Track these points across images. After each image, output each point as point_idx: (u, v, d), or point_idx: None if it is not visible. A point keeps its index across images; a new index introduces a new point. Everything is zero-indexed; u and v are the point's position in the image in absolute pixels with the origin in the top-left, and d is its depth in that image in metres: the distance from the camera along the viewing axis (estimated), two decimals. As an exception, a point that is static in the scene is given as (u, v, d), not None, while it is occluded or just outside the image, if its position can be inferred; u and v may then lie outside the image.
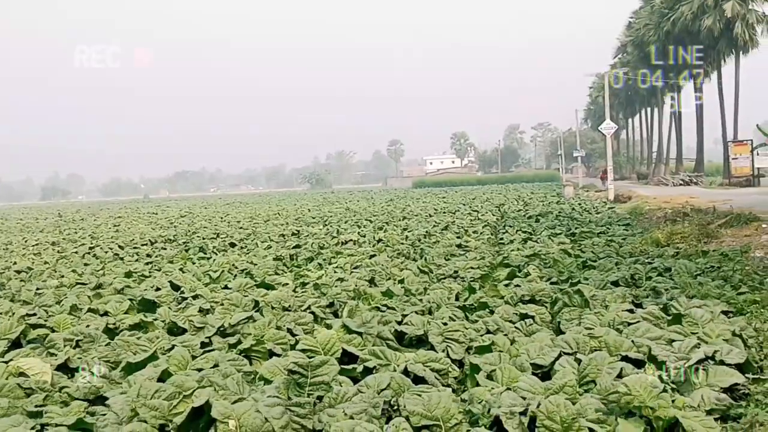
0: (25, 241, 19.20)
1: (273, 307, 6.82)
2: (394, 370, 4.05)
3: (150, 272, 10.59)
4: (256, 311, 6.57)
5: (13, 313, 6.97)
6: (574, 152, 61.26)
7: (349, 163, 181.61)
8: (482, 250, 11.43)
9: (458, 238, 13.49)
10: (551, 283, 7.54)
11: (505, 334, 5.17)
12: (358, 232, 16.17)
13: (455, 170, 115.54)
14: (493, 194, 40.38)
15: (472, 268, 8.95)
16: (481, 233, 14.53)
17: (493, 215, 20.34)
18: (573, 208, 22.48)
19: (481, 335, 5.20)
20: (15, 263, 12.85)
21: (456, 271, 8.84)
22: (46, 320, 6.66)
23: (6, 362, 4.90)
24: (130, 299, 7.59)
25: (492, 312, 6.09)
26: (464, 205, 28.02)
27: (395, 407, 3.30)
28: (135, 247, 15.36)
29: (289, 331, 5.76)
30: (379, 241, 13.83)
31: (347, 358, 4.76)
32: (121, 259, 13.11)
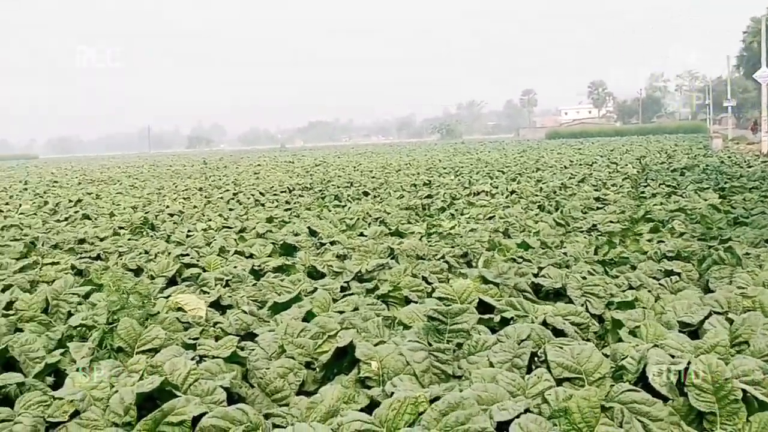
0: (175, 186, 20.52)
1: (407, 255, 6.92)
2: (532, 322, 4.02)
3: (289, 218, 11.04)
4: (391, 258, 6.70)
5: (169, 253, 7.51)
6: (724, 102, 56.92)
7: (479, 113, 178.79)
8: (622, 203, 10.98)
9: (596, 190, 13.05)
10: (699, 240, 7.14)
11: (649, 291, 4.98)
12: (491, 183, 16.01)
13: (592, 121, 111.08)
14: (633, 146, 38.48)
15: (611, 222, 8.64)
16: (620, 186, 13.96)
17: (634, 168, 19.42)
18: (722, 161, 21.07)
19: (623, 291, 5.03)
20: (167, 207, 13.82)
21: (594, 225, 8.57)
22: (197, 260, 7.11)
23: (165, 297, 5.31)
24: (273, 243, 7.96)
25: (634, 267, 5.87)
26: (602, 156, 26.94)
27: (535, 358, 3.28)
28: (274, 194, 16.03)
29: (424, 279, 5.83)
30: (513, 192, 13.63)
31: (483, 308, 4.76)
32: (262, 205, 13.74)
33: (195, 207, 13.65)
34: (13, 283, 6.39)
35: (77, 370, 3.74)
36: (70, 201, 16.21)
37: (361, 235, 8.60)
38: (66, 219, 12.52)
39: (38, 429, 2.91)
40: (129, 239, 9.22)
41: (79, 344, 4.14)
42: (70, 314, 5.13)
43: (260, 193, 16.31)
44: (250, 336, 4.44)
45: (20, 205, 15.74)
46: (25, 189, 22.58)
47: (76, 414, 3.03)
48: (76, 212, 13.40)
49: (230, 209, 13.03)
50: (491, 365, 3.15)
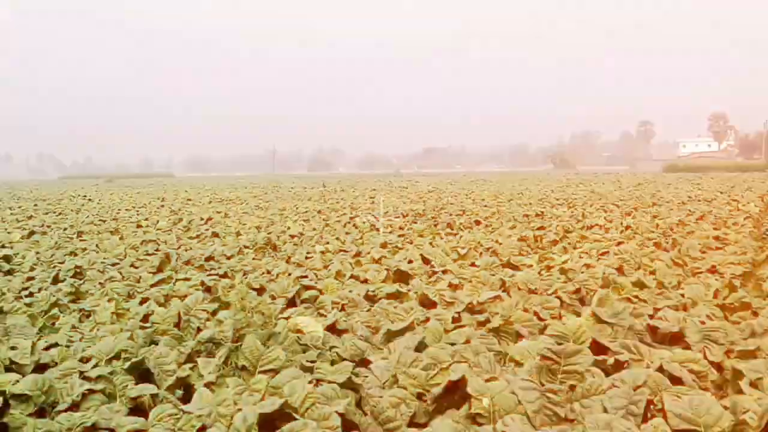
0: (296, 208, 21.30)
1: (519, 288, 6.91)
2: (647, 367, 3.94)
3: (402, 244, 11.23)
4: (502, 291, 6.71)
5: (289, 274, 7.87)
6: None
7: (594, 143, 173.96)
8: (743, 244, 10.41)
9: (715, 229, 12.42)
10: (836, 288, 6.68)
11: (774, 340, 4.74)
12: (605, 217, 15.57)
13: (712, 155, 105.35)
14: (756, 182, 36.20)
15: (732, 263, 8.23)
16: (742, 225, 13.22)
17: (756, 206, 18.32)
18: None
19: (744, 338, 4.82)
20: (289, 228, 14.40)
21: (713, 266, 8.19)
22: (315, 283, 7.40)
23: (285, 318, 5.59)
24: (386, 269, 8.15)
25: (756, 313, 5.60)
26: (722, 193, 25.54)
27: (650, 406, 3.22)
28: (389, 220, 16.33)
29: (536, 314, 5.81)
30: (627, 227, 13.21)
31: (596, 348, 4.69)
32: (377, 230, 14.03)
33: (314, 229, 14.13)
34: (149, 296, 6.92)
35: (205, 385, 4.04)
36: (202, 219, 17.21)
37: (473, 264, 8.64)
38: (197, 236, 13.32)
39: (170, 439, 3.17)
40: (253, 258, 9.71)
41: (206, 360, 4.44)
42: (199, 329, 5.49)
43: (375, 218, 16.65)
44: (364, 362, 4.60)
45: (158, 222, 16.86)
46: (162, 206, 24.10)
47: (203, 429, 3.28)
48: (206, 230, 14.24)
49: (347, 233, 13.40)
50: (605, 410, 3.13)
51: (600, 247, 10.12)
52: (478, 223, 15.12)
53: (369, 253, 9.74)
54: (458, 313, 5.98)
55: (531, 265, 8.46)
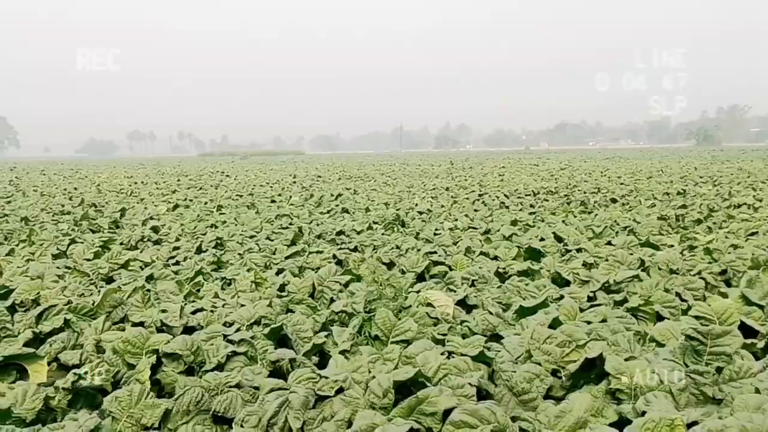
0: (424, 185, 21.38)
1: (660, 268, 6.59)
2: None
3: (534, 222, 11.00)
4: (641, 270, 6.43)
5: (418, 250, 7.91)
6: None
7: (742, 118, 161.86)
8: None
9: None
10: None
11: None
12: (754, 195, 14.51)
13: None
14: None
15: None
16: None
17: None
18: None
19: None
20: (417, 204, 14.49)
21: None
22: (444, 259, 7.40)
23: (416, 292, 5.63)
24: (518, 246, 8.01)
25: None
26: None
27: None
28: (519, 197, 16.04)
29: (678, 295, 5.52)
30: (780, 206, 12.25)
31: (744, 331, 4.40)
32: (507, 207, 13.83)
33: (442, 206, 14.13)
34: (284, 267, 7.19)
35: (340, 352, 4.14)
36: (332, 195, 17.64)
37: (609, 243, 8.32)
38: (328, 211, 13.69)
39: (309, 400, 3.28)
40: (382, 234, 9.84)
41: (341, 329, 4.56)
42: (332, 300, 5.65)
43: (505, 195, 16.41)
44: (495, 337, 4.56)
45: (290, 197, 17.48)
46: (294, 182, 24.95)
47: (340, 391, 3.37)
48: (336, 206, 14.59)
49: (475, 210, 13.30)
50: (757, 392, 2.92)
51: (748, 227, 9.46)
52: (614, 201, 14.56)
53: (499, 230, 9.62)
54: (593, 292, 5.80)
55: (672, 245, 8.04)
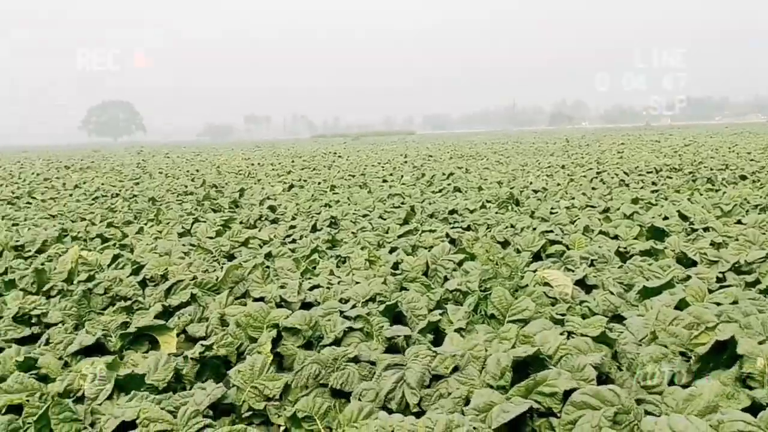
0: (538, 163, 20.89)
1: (796, 248, 6.12)
2: None
3: (656, 200, 10.51)
4: (776, 251, 5.99)
5: (534, 228, 7.74)
6: None
7: None
8: None
9: None
10: None
11: None
12: None
13: None
14: None
15: None
16: None
17: None
18: None
19: None
20: (531, 183, 14.19)
21: None
22: (561, 238, 7.19)
23: (533, 271, 5.51)
24: (639, 225, 7.67)
25: None
26: None
27: None
28: (640, 174, 15.37)
29: (820, 277, 5.12)
30: None
31: None
32: (627, 185, 13.29)
33: (558, 185, 13.75)
34: (398, 246, 7.22)
35: (455, 330, 4.12)
36: (443, 174, 17.57)
37: (739, 222, 7.81)
38: (440, 191, 13.65)
39: (425, 377, 3.28)
40: (496, 213, 9.70)
41: (455, 307, 4.52)
42: (446, 278, 5.63)
43: (624, 173, 15.75)
44: (617, 318, 4.39)
45: (402, 177, 17.57)
46: (405, 162, 25.05)
47: (455, 370, 3.34)
48: (448, 185, 14.52)
49: (593, 188, 12.86)
50: None
51: None
52: (743, 178, 13.67)
53: (619, 209, 9.25)
54: (722, 272, 5.47)
55: (811, 224, 7.44)
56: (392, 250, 7.06)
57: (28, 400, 3.51)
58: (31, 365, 4.03)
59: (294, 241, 8.21)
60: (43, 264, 6.81)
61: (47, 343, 4.61)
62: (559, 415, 2.78)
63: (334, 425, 3.11)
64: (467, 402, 2.99)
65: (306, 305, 5.01)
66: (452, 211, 9.94)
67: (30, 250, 7.99)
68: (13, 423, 3.36)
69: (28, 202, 14.51)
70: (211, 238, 8.26)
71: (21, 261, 7.30)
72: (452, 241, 7.40)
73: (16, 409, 3.53)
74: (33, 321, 5.15)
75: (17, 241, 8.30)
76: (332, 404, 3.36)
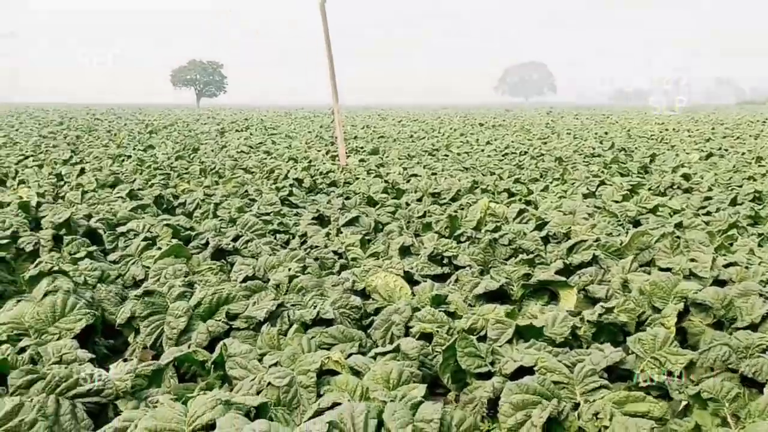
0: None
1: None
2: None
3: None
4: None
5: None
6: None
7: None
8: None
9: None
10: None
11: None
12: None
13: None
14: None
15: None
16: None
17: None
18: None
19: None
20: None
21: None
22: None
23: None
24: None
25: None
26: None
27: None
28: None
29: None
30: None
31: None
32: None
33: None
34: None
35: None
36: None
37: None
38: None
39: None
40: None
41: None
42: None
43: None
44: None
45: None
46: None
47: None
48: None
49: None
50: None
51: None
52: None
53: None
54: None
55: None
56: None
57: (437, 331, 3.88)
58: (440, 301, 4.45)
59: (709, 213, 7.57)
60: (455, 211, 7.45)
61: (456, 282, 5.04)
62: None
63: (743, 414, 2.82)
64: None
65: (718, 282, 4.59)
66: None
67: (445, 198, 8.81)
68: (424, 348, 3.75)
69: (446, 155, 15.95)
70: (616, 201, 8.07)
71: (437, 206, 8.09)
72: None
73: (426, 336, 3.94)
74: (444, 261, 5.68)
75: (435, 189, 9.21)
76: (741, 392, 3.04)
